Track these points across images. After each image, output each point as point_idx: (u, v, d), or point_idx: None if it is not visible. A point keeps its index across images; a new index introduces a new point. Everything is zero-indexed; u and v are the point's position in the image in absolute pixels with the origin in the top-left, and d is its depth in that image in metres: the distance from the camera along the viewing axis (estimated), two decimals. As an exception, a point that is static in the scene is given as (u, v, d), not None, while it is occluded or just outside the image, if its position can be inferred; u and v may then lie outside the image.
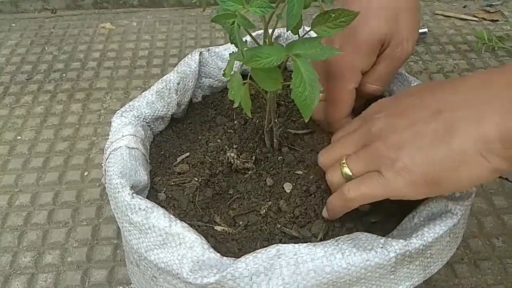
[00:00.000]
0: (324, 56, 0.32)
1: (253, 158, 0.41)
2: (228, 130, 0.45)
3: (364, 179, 0.32)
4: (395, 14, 0.39)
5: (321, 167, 0.37)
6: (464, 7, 1.03)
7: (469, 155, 0.28)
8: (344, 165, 0.33)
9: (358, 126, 0.35)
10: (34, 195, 0.62)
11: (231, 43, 0.31)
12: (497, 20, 0.97)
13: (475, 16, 0.98)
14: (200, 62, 0.47)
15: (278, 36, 0.50)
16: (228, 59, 0.39)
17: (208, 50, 0.48)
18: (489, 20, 0.97)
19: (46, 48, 0.92)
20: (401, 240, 0.30)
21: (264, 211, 0.37)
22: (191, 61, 0.46)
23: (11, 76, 0.84)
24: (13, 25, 1.00)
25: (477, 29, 0.94)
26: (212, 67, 0.48)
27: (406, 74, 0.45)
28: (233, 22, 0.30)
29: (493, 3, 1.03)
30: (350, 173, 0.33)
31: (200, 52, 0.47)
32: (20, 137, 0.71)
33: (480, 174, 0.28)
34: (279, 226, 0.36)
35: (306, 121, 0.33)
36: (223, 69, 0.49)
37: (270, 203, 0.38)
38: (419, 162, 0.29)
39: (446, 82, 0.33)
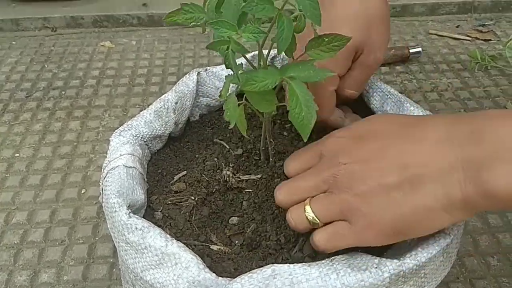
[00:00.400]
0: (317, 78, 0.33)
1: (249, 176, 0.42)
2: (225, 149, 0.46)
3: (334, 230, 0.32)
4: (368, 23, 0.41)
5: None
6: (457, 26, 1.05)
7: (433, 211, 0.30)
8: (309, 210, 0.33)
9: (317, 162, 0.35)
10: (31, 212, 0.62)
11: (227, 68, 0.32)
12: (490, 40, 0.99)
13: (468, 36, 1.00)
14: (197, 81, 0.48)
15: (274, 57, 0.51)
16: (225, 79, 0.40)
17: (206, 70, 0.49)
18: (482, 39, 0.99)
19: (46, 65, 0.93)
20: (395, 260, 0.30)
21: (253, 230, 0.38)
22: (189, 80, 0.47)
23: (11, 94, 0.85)
24: (13, 43, 1.01)
25: (470, 49, 0.96)
26: (209, 87, 0.49)
27: (399, 94, 0.46)
28: (228, 48, 0.30)
29: (486, 23, 1.05)
30: (317, 221, 0.33)
31: (198, 72, 0.48)
32: (18, 154, 0.71)
33: (442, 225, 0.31)
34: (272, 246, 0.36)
35: (305, 140, 0.33)
36: (220, 89, 0.50)
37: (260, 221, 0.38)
38: (388, 217, 0.30)
39: (409, 127, 0.33)
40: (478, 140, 0.29)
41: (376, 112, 0.46)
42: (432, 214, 0.30)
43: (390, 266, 0.30)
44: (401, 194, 0.30)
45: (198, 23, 0.33)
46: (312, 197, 0.34)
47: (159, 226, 0.33)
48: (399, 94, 0.45)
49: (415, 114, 0.42)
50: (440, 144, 0.30)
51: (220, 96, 0.38)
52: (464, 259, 0.56)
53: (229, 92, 0.36)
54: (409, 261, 0.31)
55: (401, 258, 0.31)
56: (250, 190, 0.41)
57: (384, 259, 0.31)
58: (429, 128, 0.32)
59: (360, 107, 0.48)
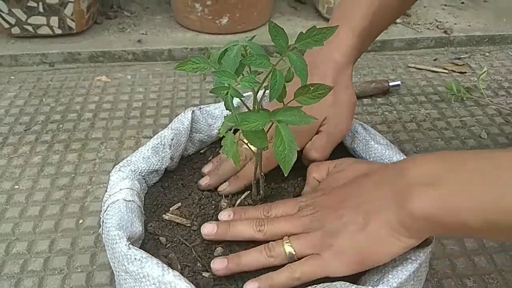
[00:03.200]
0: (302, 123, 0.37)
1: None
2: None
3: (307, 260, 0.38)
4: (334, 104, 0.51)
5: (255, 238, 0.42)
6: (435, 60, 1.12)
7: (383, 237, 0.36)
8: (288, 244, 0.39)
9: (295, 211, 0.43)
10: (30, 243, 0.64)
11: (226, 109, 0.37)
12: (465, 72, 1.05)
13: (445, 69, 1.06)
14: (192, 119, 0.52)
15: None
16: (217, 116, 0.48)
17: (200, 108, 0.54)
18: (457, 72, 1.05)
19: (44, 100, 0.97)
20: (369, 287, 0.34)
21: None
22: (184, 118, 0.52)
23: (10, 127, 0.88)
24: (12, 77, 1.05)
25: (447, 81, 1.02)
26: (202, 124, 0.54)
27: (365, 133, 0.51)
28: (227, 93, 0.35)
29: (461, 57, 1.11)
30: (294, 253, 0.39)
31: (193, 111, 0.52)
32: (17, 186, 0.74)
33: (395, 251, 0.36)
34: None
35: (286, 175, 0.38)
36: (211, 125, 0.54)
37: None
38: (349, 246, 0.37)
39: (360, 176, 0.42)
40: (402, 176, 0.36)
41: (349, 150, 0.53)
42: (383, 240, 0.36)
43: (364, 295, 0.33)
44: (357, 227, 0.37)
45: (204, 72, 0.39)
46: (290, 236, 0.40)
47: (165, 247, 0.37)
48: (365, 134, 0.51)
49: (378, 152, 0.49)
50: (378, 185, 0.38)
51: (218, 133, 0.43)
52: (442, 281, 0.59)
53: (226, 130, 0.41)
54: (382, 287, 0.34)
55: (375, 285, 0.35)
56: None
57: (360, 286, 0.34)
58: (372, 174, 0.40)
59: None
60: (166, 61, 1.11)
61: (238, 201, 0.47)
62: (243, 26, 1.18)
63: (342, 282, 0.35)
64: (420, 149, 0.82)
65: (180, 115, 0.52)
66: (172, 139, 0.49)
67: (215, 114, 0.54)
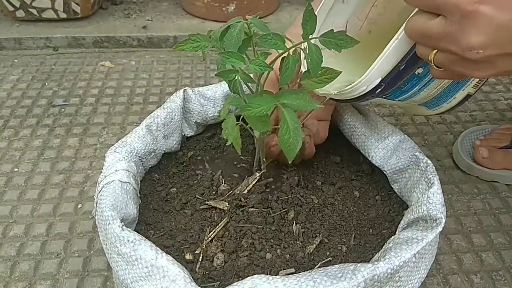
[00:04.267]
0: (307, 108, 0.36)
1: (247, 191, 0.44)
2: (218, 166, 0.48)
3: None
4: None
5: None
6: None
7: None
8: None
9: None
10: (28, 226, 0.63)
11: (233, 93, 0.35)
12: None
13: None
14: (184, 98, 0.51)
15: None
16: (209, 97, 0.48)
17: (192, 89, 0.53)
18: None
19: (47, 84, 0.96)
20: (369, 265, 0.32)
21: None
22: (176, 97, 0.51)
23: (11, 110, 0.87)
24: (15, 61, 1.04)
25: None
26: (195, 104, 0.52)
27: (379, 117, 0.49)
28: (235, 77, 0.34)
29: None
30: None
31: (185, 90, 0.51)
32: (17, 169, 0.73)
33: None
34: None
35: (290, 162, 0.36)
36: (204, 106, 0.53)
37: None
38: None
39: None
40: None
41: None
42: None
43: (364, 271, 0.31)
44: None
45: (204, 50, 0.37)
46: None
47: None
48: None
49: (378, 126, 0.48)
50: None
51: (219, 116, 0.41)
52: (448, 277, 0.58)
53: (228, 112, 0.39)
54: (383, 265, 0.33)
55: (375, 263, 0.33)
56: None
57: (359, 264, 0.33)
58: None
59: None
60: (171, 48, 1.10)
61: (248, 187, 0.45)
62: (250, 14, 1.16)
63: (342, 264, 0.33)
64: (428, 142, 0.80)
65: (173, 94, 0.51)
66: (165, 117, 0.49)
67: (207, 95, 0.53)
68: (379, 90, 0.38)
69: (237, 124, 0.38)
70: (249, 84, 0.38)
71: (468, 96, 0.44)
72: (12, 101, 0.90)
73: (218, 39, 0.37)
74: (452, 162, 0.75)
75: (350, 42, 0.36)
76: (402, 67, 0.37)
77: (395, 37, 0.36)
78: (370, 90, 0.38)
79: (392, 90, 0.40)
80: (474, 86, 0.43)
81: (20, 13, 1.10)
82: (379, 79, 0.37)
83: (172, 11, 1.22)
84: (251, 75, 0.36)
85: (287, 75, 0.35)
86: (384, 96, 0.41)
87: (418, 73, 0.39)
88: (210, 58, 1.04)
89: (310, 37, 0.35)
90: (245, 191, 0.44)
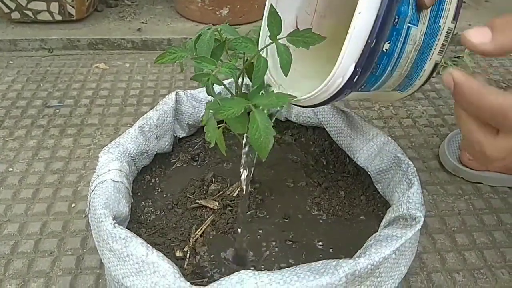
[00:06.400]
0: (279, 104, 0.37)
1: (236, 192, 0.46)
2: (209, 167, 0.50)
3: None
4: None
5: None
6: (435, 57, 1.11)
7: None
8: None
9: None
10: (22, 225, 0.64)
11: (208, 95, 0.37)
12: (464, 71, 1.05)
13: (444, 67, 1.06)
14: (176, 100, 0.52)
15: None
16: (201, 99, 0.49)
17: (184, 91, 0.54)
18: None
19: (42, 85, 0.97)
20: (350, 261, 0.34)
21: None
22: (168, 99, 0.52)
23: (6, 111, 0.88)
24: (10, 62, 1.05)
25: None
26: (187, 106, 0.54)
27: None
28: (208, 79, 0.35)
29: (460, 55, 1.11)
30: None
31: (177, 92, 0.53)
32: (11, 169, 0.74)
33: None
34: None
35: (263, 160, 0.37)
36: (196, 108, 0.54)
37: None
38: None
39: None
40: None
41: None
42: None
43: (345, 267, 0.33)
44: None
45: (181, 61, 0.38)
46: None
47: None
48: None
49: (363, 128, 0.49)
50: None
51: (201, 121, 0.42)
52: (432, 275, 0.60)
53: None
54: (363, 261, 0.34)
55: (356, 259, 0.34)
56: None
57: (341, 260, 0.34)
58: None
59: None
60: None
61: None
62: (243, 18, 1.18)
63: (325, 260, 0.35)
64: (415, 144, 0.82)
65: (165, 97, 0.53)
66: (157, 119, 0.50)
67: (199, 97, 0.54)
68: (356, 78, 0.36)
69: (219, 126, 0.40)
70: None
71: (436, 66, 0.42)
72: (7, 102, 0.91)
73: (192, 48, 0.39)
74: (438, 164, 0.77)
75: (317, 38, 0.36)
76: (373, 42, 0.34)
77: (355, 16, 0.33)
78: (347, 81, 0.36)
79: (367, 76, 0.37)
80: (439, 52, 0.42)
81: (16, 15, 1.11)
82: (353, 64, 0.35)
83: (166, 14, 1.23)
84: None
85: (259, 75, 0.37)
86: (360, 89, 0.40)
87: (386, 49, 0.37)
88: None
89: (278, 37, 0.36)
90: (236, 193, 0.46)
